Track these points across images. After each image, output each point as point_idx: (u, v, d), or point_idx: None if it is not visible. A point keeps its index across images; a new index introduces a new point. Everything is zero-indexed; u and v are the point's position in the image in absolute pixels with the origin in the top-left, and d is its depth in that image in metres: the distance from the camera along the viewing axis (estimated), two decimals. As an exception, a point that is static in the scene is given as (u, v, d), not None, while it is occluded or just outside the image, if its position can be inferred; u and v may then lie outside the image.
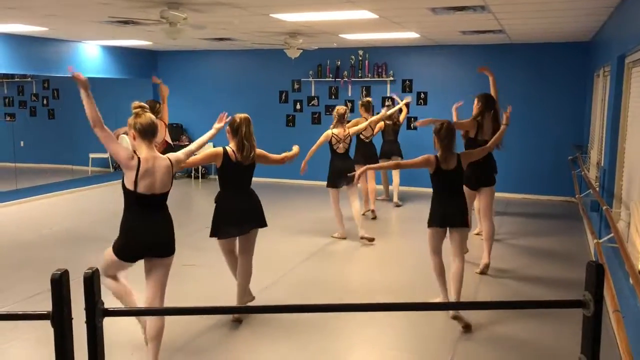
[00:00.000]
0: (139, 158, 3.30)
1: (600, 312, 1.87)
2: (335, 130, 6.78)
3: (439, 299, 4.72)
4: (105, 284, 3.51)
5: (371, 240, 6.80)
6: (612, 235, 4.27)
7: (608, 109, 6.09)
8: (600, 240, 4.65)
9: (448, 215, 4.55)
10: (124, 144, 3.60)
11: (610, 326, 4.16)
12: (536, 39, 9.14)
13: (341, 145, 6.81)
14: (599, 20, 6.85)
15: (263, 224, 4.50)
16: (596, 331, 1.88)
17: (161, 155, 3.48)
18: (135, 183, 3.29)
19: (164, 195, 3.46)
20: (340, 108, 6.85)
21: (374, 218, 8.10)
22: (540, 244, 6.96)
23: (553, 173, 9.61)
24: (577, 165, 8.00)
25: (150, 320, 3.57)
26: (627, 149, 5.21)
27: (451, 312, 4.45)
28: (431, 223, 4.59)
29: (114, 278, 3.67)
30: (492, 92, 6.13)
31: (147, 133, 3.35)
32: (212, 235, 4.38)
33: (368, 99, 8.31)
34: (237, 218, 4.34)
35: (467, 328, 4.37)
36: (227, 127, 4.33)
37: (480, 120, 5.80)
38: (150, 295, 3.51)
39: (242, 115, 4.33)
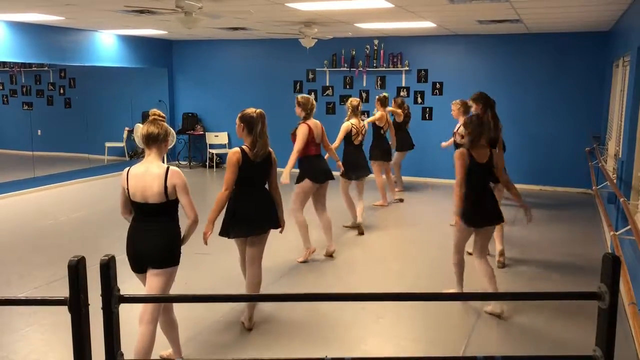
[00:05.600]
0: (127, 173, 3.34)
1: (616, 305, 1.85)
2: (354, 121, 6.78)
3: (453, 289, 4.71)
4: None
5: (361, 233, 6.86)
6: (629, 227, 4.23)
7: (627, 100, 6.00)
8: (617, 233, 4.61)
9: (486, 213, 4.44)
10: (139, 133, 3.55)
11: (626, 319, 4.13)
12: (554, 29, 9.01)
13: (360, 137, 6.81)
14: (619, 9, 6.74)
15: (276, 225, 4.26)
16: (611, 324, 1.86)
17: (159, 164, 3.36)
18: (128, 191, 3.31)
19: (159, 205, 3.30)
20: (354, 100, 6.88)
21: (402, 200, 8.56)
22: (557, 235, 6.90)
23: (570, 164, 9.51)
24: (594, 157, 7.91)
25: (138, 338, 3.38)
26: (646, 141, 5.13)
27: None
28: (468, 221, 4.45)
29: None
30: None
31: (148, 140, 3.35)
32: (221, 234, 4.14)
33: (385, 94, 8.24)
34: (250, 218, 4.10)
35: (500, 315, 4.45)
36: (242, 122, 4.05)
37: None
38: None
39: (258, 110, 4.05)
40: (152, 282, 3.35)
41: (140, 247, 3.34)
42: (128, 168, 3.35)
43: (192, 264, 5.62)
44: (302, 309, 4.54)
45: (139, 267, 3.40)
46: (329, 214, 5.96)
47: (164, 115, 3.46)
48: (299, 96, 5.75)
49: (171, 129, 3.43)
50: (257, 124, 4.03)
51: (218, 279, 5.30)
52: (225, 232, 4.13)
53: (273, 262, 5.54)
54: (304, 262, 5.75)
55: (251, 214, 4.10)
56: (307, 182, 5.63)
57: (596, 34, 9.13)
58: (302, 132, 5.57)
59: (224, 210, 4.10)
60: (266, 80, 11.32)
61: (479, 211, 4.42)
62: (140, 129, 3.40)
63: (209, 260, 5.73)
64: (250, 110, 4.07)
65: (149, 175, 3.28)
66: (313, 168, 5.66)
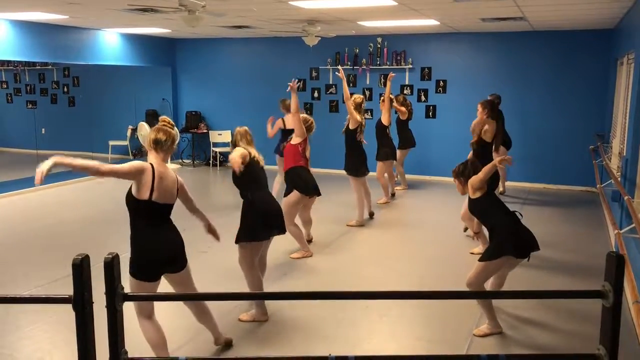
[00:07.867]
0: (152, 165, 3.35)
1: (620, 303, 1.85)
2: (360, 118, 6.76)
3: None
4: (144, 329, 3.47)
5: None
6: (633, 225, 4.22)
7: (631, 98, 5.98)
8: (621, 231, 4.60)
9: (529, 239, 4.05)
10: (143, 132, 3.64)
11: (630, 317, 4.12)
12: (558, 27, 8.98)
13: (362, 136, 6.82)
14: (623, 7, 6.71)
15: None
16: (615, 322, 1.86)
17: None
18: (152, 191, 3.30)
19: (171, 206, 3.46)
20: (358, 97, 6.82)
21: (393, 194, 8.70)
22: (560, 234, 6.89)
23: (574, 162, 9.48)
24: (598, 155, 7.89)
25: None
26: (651, 139, 5.12)
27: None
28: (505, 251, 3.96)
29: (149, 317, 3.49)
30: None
31: (155, 145, 3.46)
32: (251, 239, 4.24)
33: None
34: (275, 218, 4.39)
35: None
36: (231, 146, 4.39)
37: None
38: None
39: (241, 129, 4.36)
40: (187, 280, 3.56)
41: (175, 250, 3.47)
42: (151, 164, 3.34)
43: (195, 262, 5.62)
44: (305, 307, 4.54)
45: (168, 269, 3.46)
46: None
47: (173, 123, 3.61)
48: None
49: (176, 130, 3.51)
50: (246, 136, 4.33)
51: (220, 277, 5.30)
52: (261, 234, 4.28)
53: (275, 261, 5.55)
54: (298, 258, 5.83)
55: (274, 213, 4.38)
56: (295, 194, 5.62)
57: (600, 31, 9.10)
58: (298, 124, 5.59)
59: (237, 218, 4.30)
60: (269, 79, 11.31)
61: (526, 235, 4.04)
62: (144, 128, 3.50)
63: (212, 259, 5.74)
64: (238, 131, 4.37)
65: (169, 176, 3.41)
66: (303, 180, 5.66)
